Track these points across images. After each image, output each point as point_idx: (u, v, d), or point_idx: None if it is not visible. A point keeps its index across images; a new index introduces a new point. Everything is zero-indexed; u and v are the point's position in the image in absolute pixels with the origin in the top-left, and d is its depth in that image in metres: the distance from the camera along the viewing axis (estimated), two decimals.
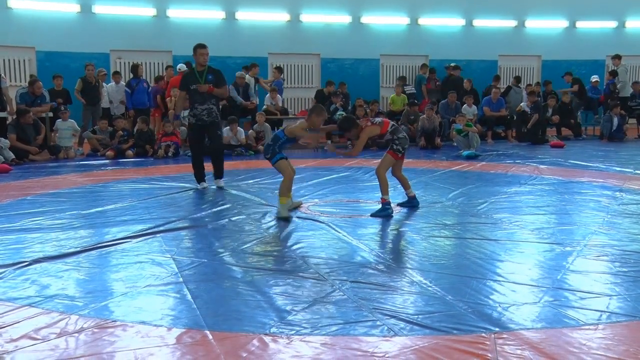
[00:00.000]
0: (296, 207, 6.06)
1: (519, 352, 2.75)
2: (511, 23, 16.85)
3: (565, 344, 2.85)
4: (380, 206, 5.77)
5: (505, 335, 2.93)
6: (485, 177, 8.21)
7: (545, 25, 17.05)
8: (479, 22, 16.58)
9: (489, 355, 2.71)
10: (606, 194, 6.86)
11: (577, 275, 3.90)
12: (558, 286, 3.67)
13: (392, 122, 5.97)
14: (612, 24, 17.40)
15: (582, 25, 17.24)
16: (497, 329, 3.00)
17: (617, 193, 6.87)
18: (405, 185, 6.09)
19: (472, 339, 2.88)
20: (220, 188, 7.28)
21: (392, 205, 5.80)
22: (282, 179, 5.77)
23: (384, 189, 5.75)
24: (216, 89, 7.23)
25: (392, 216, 5.67)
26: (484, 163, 9.70)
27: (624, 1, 17.34)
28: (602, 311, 3.26)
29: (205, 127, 7.28)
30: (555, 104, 14.14)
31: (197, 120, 7.21)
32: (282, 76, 13.76)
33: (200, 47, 7.15)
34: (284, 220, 5.51)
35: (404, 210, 6.02)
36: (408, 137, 5.99)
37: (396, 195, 6.26)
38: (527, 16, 16.89)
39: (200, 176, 7.40)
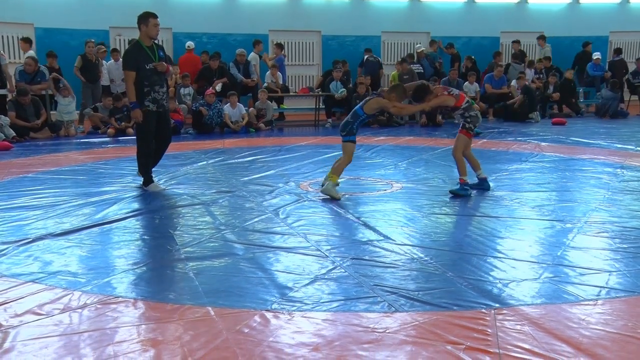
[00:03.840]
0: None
1: (518, 327, 2.78)
2: None
3: (564, 319, 2.88)
4: (459, 186, 5.64)
5: (505, 311, 2.95)
6: (487, 154, 8.19)
7: (548, 1, 16.85)
8: None
9: (489, 330, 2.74)
10: (607, 171, 6.85)
11: (577, 252, 3.92)
12: (558, 262, 3.69)
13: (468, 98, 5.81)
14: (616, 0, 17.20)
15: (586, 0, 17.03)
16: (497, 305, 3.02)
17: (618, 170, 6.87)
18: (476, 166, 5.85)
19: (472, 315, 2.91)
20: (163, 189, 6.03)
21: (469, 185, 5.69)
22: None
23: (461, 169, 5.67)
24: (171, 68, 6.39)
25: (470, 196, 5.55)
26: (485, 140, 9.68)
27: None
28: (601, 287, 3.28)
29: (164, 115, 5.98)
30: (557, 81, 14.04)
31: (159, 106, 5.85)
32: (283, 52, 13.64)
33: (152, 17, 5.74)
34: (330, 197, 5.44)
35: (406, 187, 6.02)
36: (480, 116, 5.80)
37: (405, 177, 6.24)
38: None
39: (149, 174, 6.02)
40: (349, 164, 5.74)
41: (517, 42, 14.88)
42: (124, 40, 13.78)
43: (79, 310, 2.99)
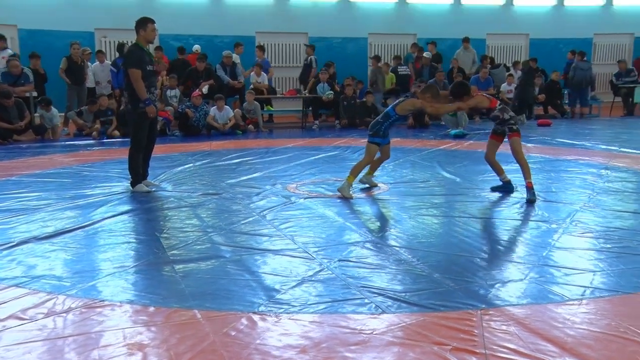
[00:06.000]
0: (372, 185, 6.08)
1: (504, 327, 2.79)
2: (499, 1, 16.78)
3: (549, 319, 2.90)
4: (527, 190, 5.43)
5: (491, 312, 2.96)
6: (473, 155, 8.24)
7: (533, 3, 17.00)
8: (467, 1, 16.50)
9: (476, 331, 2.75)
10: (592, 171, 6.92)
11: (563, 252, 3.95)
12: (544, 263, 3.72)
13: (500, 102, 5.80)
14: (599, 2, 17.39)
15: (570, 3, 17.21)
16: (483, 306, 3.04)
17: (603, 171, 6.94)
18: (499, 171, 5.82)
19: (458, 316, 2.92)
20: (149, 190, 5.97)
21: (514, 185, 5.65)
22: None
23: (526, 173, 5.46)
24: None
25: (534, 201, 5.33)
26: (471, 142, 9.73)
27: None
28: (586, 287, 3.31)
29: (154, 117, 6.06)
30: (542, 83, 14.17)
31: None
32: (265, 55, 13.64)
33: (150, 22, 5.96)
34: (343, 197, 5.54)
35: (393, 189, 6.03)
36: (519, 116, 5.78)
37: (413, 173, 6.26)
38: None
39: (139, 175, 6.03)
40: (368, 164, 5.86)
41: (466, 39, 14.77)
42: (110, 42, 13.70)
43: (64, 315, 2.95)
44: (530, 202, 5.34)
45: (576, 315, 2.94)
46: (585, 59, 14.45)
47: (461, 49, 14.74)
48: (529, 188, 5.43)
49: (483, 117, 12.12)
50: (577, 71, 14.09)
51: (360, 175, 5.92)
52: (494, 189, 5.86)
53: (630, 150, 8.46)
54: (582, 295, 3.20)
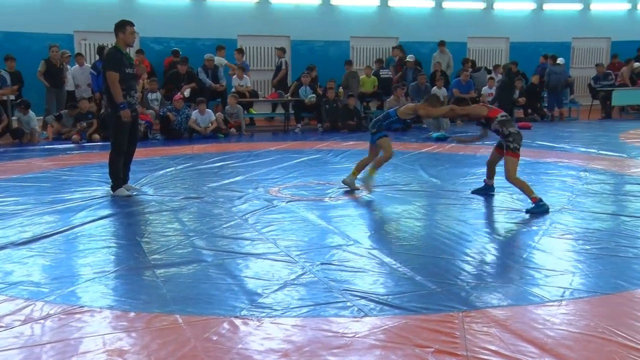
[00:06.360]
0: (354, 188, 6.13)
1: (485, 329, 2.81)
2: (480, 5, 16.93)
3: (530, 320, 2.92)
4: (533, 205, 5.13)
5: (472, 314, 2.98)
6: (455, 158, 8.30)
7: (513, 7, 17.20)
8: (449, 4, 16.61)
9: (457, 333, 2.76)
10: (571, 174, 7.01)
11: (543, 254, 3.99)
12: (524, 265, 3.76)
13: (504, 113, 5.48)
14: (577, 7, 17.64)
15: (549, 7, 17.44)
16: (465, 308, 3.06)
17: (582, 173, 7.03)
18: (490, 175, 5.74)
19: (440, 318, 2.93)
20: (130, 195, 5.91)
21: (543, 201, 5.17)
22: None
23: (527, 191, 5.21)
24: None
25: (548, 211, 5.05)
26: (453, 145, 9.80)
27: None
28: (565, 288, 3.35)
29: (135, 118, 6.08)
30: (523, 86, 14.32)
31: (132, 110, 5.89)
32: (244, 58, 13.61)
33: (129, 24, 5.91)
34: (367, 189, 5.90)
35: (375, 192, 6.04)
36: (521, 134, 5.40)
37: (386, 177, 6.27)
38: None
39: (119, 179, 5.96)
40: (390, 158, 6.08)
41: (398, 47, 14.85)
42: (90, 45, 13.55)
43: (41, 322, 2.91)
44: (533, 212, 5.06)
45: (556, 316, 2.97)
46: (558, 62, 14.65)
47: (437, 52, 14.86)
48: (534, 202, 5.13)
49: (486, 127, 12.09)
50: (552, 75, 14.31)
51: (362, 174, 6.12)
52: (474, 192, 5.90)
53: (609, 153, 8.59)
54: (561, 296, 3.23)
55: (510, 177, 5.25)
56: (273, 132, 12.47)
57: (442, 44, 14.84)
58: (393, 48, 15.15)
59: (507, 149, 5.26)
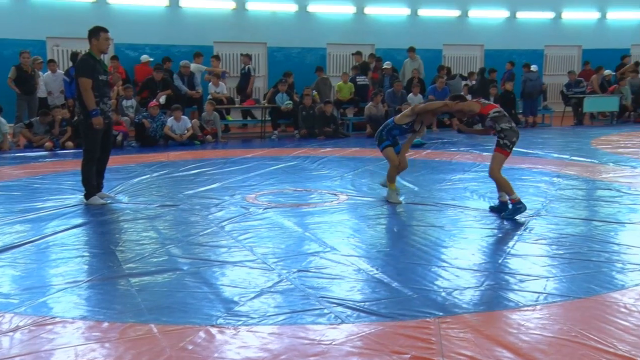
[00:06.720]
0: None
1: (461, 335, 2.83)
2: (455, 13, 17.14)
3: (505, 325, 2.95)
4: (511, 206, 5.12)
5: (448, 320, 3.00)
6: (431, 164, 8.36)
7: (488, 15, 17.46)
8: (424, 12, 16.79)
9: (433, 339, 2.77)
10: (545, 179, 7.11)
11: (517, 259, 4.04)
12: (499, 270, 3.79)
13: (499, 109, 5.25)
14: (549, 15, 17.99)
15: (522, 15, 17.75)
16: (441, 314, 3.07)
17: (555, 179, 7.14)
18: (499, 189, 5.36)
19: (417, 324, 2.94)
20: (104, 203, 5.84)
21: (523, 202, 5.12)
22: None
23: (507, 189, 5.12)
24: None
25: (525, 210, 5.06)
26: (429, 151, 9.87)
27: None
28: (539, 292, 3.39)
29: (109, 125, 6.03)
30: (497, 92, 14.51)
31: (105, 117, 5.82)
32: (220, 65, 13.56)
33: (103, 31, 5.85)
34: (395, 204, 5.74)
35: (351, 199, 6.05)
36: (518, 131, 5.19)
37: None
38: (470, 6, 17.22)
39: (93, 186, 5.88)
40: (399, 167, 5.98)
41: (358, 53, 14.96)
42: (62, 51, 13.37)
43: (10, 334, 2.84)
44: (508, 217, 5.06)
45: (530, 321, 3.00)
46: (532, 69, 14.93)
47: (408, 59, 15.01)
48: (512, 203, 5.10)
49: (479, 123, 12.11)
50: (527, 82, 14.55)
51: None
52: (492, 209, 5.46)
53: (581, 159, 8.75)
54: (535, 301, 3.27)
55: (494, 173, 5.21)
56: (249, 139, 12.43)
57: (411, 49, 14.93)
58: (370, 55, 15.25)
59: (497, 144, 5.19)
